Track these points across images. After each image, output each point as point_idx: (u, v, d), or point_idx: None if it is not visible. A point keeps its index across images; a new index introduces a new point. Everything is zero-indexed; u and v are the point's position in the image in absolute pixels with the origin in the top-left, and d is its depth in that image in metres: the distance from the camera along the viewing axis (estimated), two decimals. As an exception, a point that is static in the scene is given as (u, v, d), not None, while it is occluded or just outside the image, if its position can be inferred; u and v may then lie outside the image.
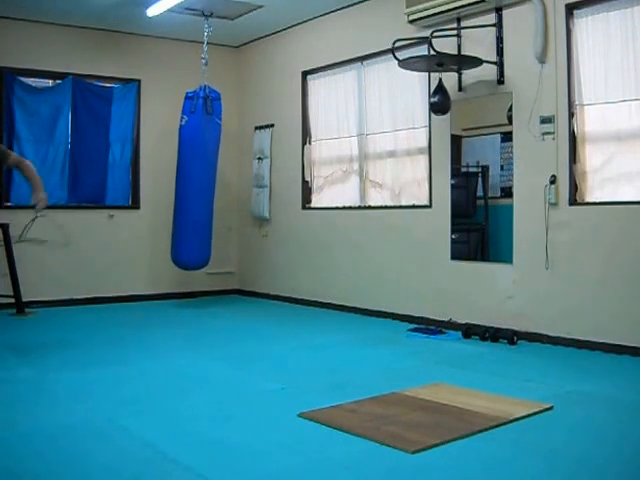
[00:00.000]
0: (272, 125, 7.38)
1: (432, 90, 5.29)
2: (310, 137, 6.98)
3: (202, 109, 6.43)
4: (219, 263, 7.32)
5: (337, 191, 6.73)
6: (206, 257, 6.80)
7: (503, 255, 5.16)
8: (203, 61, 6.57)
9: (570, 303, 4.66)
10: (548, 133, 4.75)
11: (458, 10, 5.18)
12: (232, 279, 7.87)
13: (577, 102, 4.66)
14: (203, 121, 6.48)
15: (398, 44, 5.09)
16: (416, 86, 5.79)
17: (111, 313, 6.45)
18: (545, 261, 4.76)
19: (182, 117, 6.56)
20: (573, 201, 4.67)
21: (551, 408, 3.17)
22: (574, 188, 4.67)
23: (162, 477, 2.42)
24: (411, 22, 5.51)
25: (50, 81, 6.93)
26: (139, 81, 7.26)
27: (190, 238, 6.62)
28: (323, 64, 6.74)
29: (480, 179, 5.54)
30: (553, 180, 4.72)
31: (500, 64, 5.05)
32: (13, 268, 6.15)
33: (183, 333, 5.44)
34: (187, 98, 6.55)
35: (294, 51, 7.10)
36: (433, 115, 5.41)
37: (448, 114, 5.30)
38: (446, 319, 5.42)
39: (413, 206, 5.90)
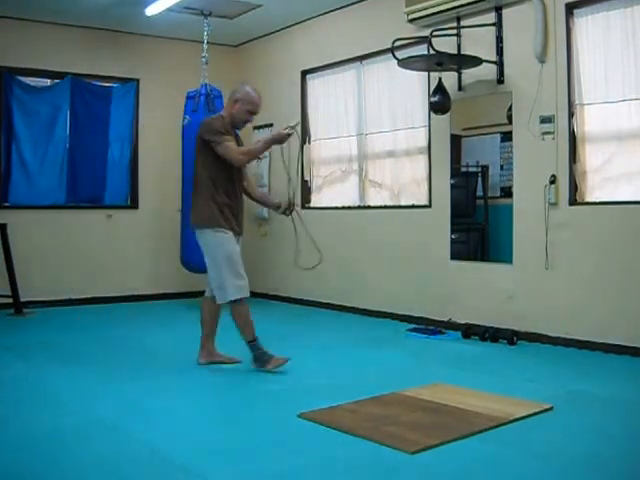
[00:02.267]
0: (271, 125, 7.36)
1: (432, 90, 5.28)
2: (309, 137, 6.97)
3: (204, 107, 6.38)
4: (218, 263, 7.29)
5: (336, 191, 6.72)
6: None
7: (503, 255, 5.15)
8: (203, 60, 6.55)
9: (570, 303, 4.65)
10: (548, 133, 4.74)
11: (458, 9, 5.17)
12: (231, 279, 7.85)
13: (577, 102, 4.65)
14: None
15: (397, 43, 5.08)
16: (416, 86, 5.78)
17: (109, 313, 6.43)
18: (545, 261, 4.74)
19: (184, 117, 6.50)
20: (573, 201, 4.66)
21: (551, 408, 3.16)
22: (574, 188, 4.66)
23: (161, 477, 2.41)
24: (410, 21, 5.49)
25: (49, 80, 6.91)
26: (138, 80, 7.24)
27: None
28: (322, 63, 6.73)
29: (480, 179, 5.53)
30: (553, 180, 4.71)
31: (500, 63, 5.04)
32: (11, 268, 6.14)
33: (182, 333, 5.41)
34: (188, 98, 6.49)
35: (293, 50, 7.09)
36: (433, 115, 5.40)
37: (448, 114, 5.28)
38: (446, 319, 5.40)
39: (412, 206, 5.89)
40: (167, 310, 6.70)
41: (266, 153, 7.39)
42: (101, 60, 6.99)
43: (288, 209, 4.24)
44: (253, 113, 4.10)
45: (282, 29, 7.17)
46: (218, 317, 4.16)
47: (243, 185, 4.18)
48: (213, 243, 3.95)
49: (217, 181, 3.97)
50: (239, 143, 4.15)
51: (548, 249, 4.73)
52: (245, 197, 4.29)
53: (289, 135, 4.02)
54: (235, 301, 3.90)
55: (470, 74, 5.22)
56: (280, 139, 4.02)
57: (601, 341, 4.45)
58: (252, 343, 3.96)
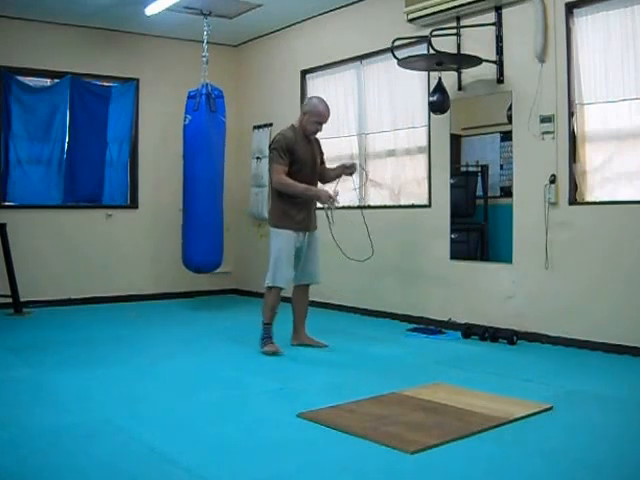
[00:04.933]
0: (271, 124, 7.36)
1: (431, 89, 5.28)
2: (309, 136, 6.96)
3: (205, 107, 6.37)
4: (217, 263, 7.31)
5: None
6: (218, 258, 6.68)
7: (503, 255, 5.14)
8: (204, 59, 6.54)
9: (570, 303, 4.65)
10: (548, 132, 4.74)
11: (457, 9, 5.17)
12: (230, 279, 7.85)
13: (577, 101, 4.65)
14: (207, 119, 6.38)
15: (397, 43, 5.07)
16: (416, 85, 5.78)
17: (109, 313, 6.43)
18: (545, 261, 4.74)
19: (185, 117, 6.49)
20: (573, 201, 4.66)
21: (551, 408, 3.16)
22: (574, 188, 4.66)
23: (161, 478, 2.40)
24: (410, 21, 5.49)
25: (48, 80, 6.91)
26: (137, 80, 7.24)
27: (201, 240, 6.47)
28: (322, 63, 6.73)
29: (479, 178, 5.53)
30: (553, 180, 4.70)
31: (500, 63, 5.04)
32: (11, 267, 6.14)
33: (181, 333, 5.42)
34: (189, 97, 6.48)
35: (293, 50, 7.08)
36: (432, 114, 5.40)
37: (447, 113, 5.28)
38: (446, 319, 5.40)
39: (412, 205, 5.88)
40: (167, 310, 6.70)
41: (266, 152, 7.40)
42: (101, 60, 6.99)
43: (351, 168, 4.75)
44: (320, 123, 4.59)
45: (282, 29, 7.17)
46: (305, 304, 4.78)
47: (316, 184, 4.70)
48: (272, 239, 4.59)
49: None
50: (316, 147, 4.72)
51: (548, 249, 4.72)
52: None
53: (329, 207, 4.49)
54: (269, 287, 4.55)
55: (470, 74, 5.22)
56: (320, 198, 4.50)
57: (601, 341, 4.45)
58: (265, 325, 4.61)
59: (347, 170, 4.71)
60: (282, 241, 4.51)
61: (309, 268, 4.68)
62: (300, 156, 4.52)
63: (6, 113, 6.58)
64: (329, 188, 4.65)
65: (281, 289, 4.55)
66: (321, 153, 4.79)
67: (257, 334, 5.00)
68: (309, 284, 4.75)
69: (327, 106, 4.58)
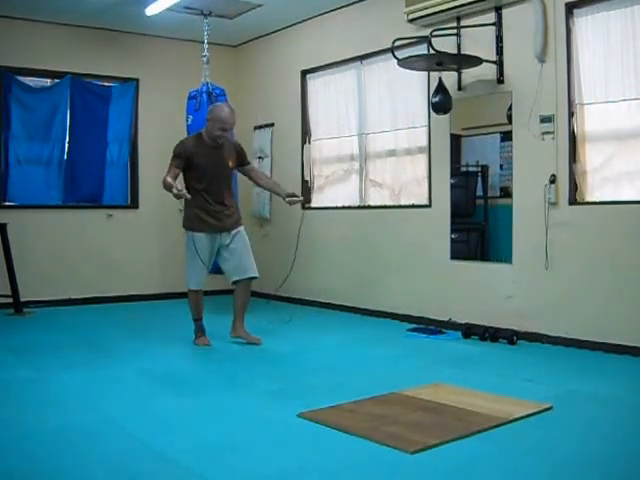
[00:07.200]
0: (272, 124, 7.37)
1: (433, 90, 5.28)
2: (310, 136, 6.97)
3: (207, 106, 6.35)
4: (218, 263, 7.31)
5: (337, 191, 6.72)
6: None
7: (503, 255, 5.15)
8: (204, 59, 6.53)
9: (570, 303, 4.65)
10: (548, 132, 4.74)
11: (458, 9, 5.17)
12: (231, 279, 7.85)
13: (577, 101, 4.65)
14: None
15: (398, 43, 5.07)
16: (416, 85, 5.78)
17: (109, 313, 6.43)
18: (545, 261, 4.74)
19: (187, 117, 6.46)
20: (573, 201, 4.66)
21: (551, 408, 3.16)
22: (574, 188, 4.66)
23: (161, 478, 2.41)
24: (410, 21, 5.49)
25: (48, 80, 6.91)
26: (137, 80, 7.24)
27: None
28: (323, 63, 6.72)
29: (480, 178, 5.53)
30: (553, 180, 4.71)
31: (500, 63, 5.04)
32: (11, 267, 6.14)
33: (182, 333, 5.41)
34: (190, 98, 6.45)
35: (293, 50, 7.09)
36: (433, 114, 5.40)
37: (449, 113, 5.28)
38: (446, 319, 5.40)
39: (413, 205, 5.89)
40: (168, 310, 6.69)
41: (267, 152, 7.42)
42: (101, 60, 6.99)
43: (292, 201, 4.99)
44: (224, 129, 4.65)
45: (282, 29, 7.17)
46: (241, 299, 4.87)
47: (230, 188, 4.87)
48: (185, 242, 4.79)
49: (192, 190, 4.65)
50: (229, 152, 4.80)
51: (548, 249, 4.72)
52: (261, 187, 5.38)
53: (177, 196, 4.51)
54: (188, 289, 4.85)
55: (470, 74, 5.22)
56: (174, 194, 4.47)
57: (601, 341, 4.45)
58: (195, 321, 4.92)
59: (288, 200, 4.96)
60: (192, 244, 4.68)
61: (241, 264, 4.77)
62: (201, 163, 4.62)
63: (6, 113, 6.58)
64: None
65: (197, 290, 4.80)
66: (240, 156, 4.89)
67: (257, 334, 5.03)
68: (246, 279, 4.81)
69: (231, 112, 4.66)
